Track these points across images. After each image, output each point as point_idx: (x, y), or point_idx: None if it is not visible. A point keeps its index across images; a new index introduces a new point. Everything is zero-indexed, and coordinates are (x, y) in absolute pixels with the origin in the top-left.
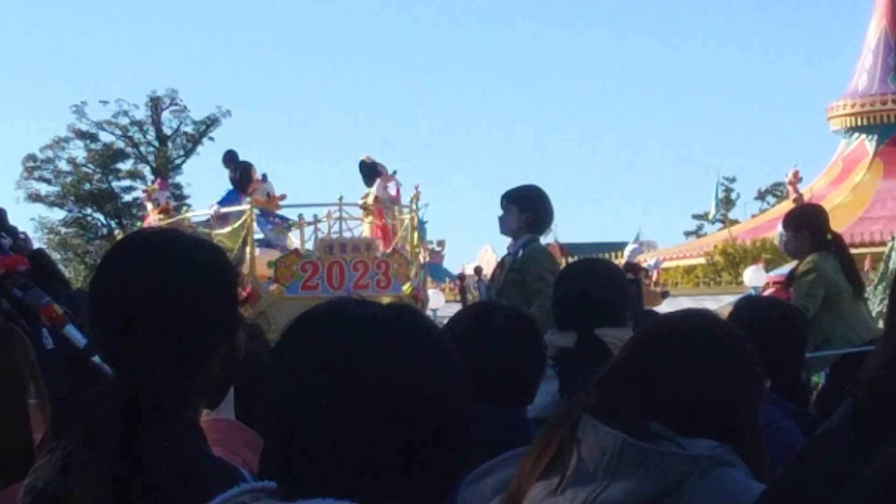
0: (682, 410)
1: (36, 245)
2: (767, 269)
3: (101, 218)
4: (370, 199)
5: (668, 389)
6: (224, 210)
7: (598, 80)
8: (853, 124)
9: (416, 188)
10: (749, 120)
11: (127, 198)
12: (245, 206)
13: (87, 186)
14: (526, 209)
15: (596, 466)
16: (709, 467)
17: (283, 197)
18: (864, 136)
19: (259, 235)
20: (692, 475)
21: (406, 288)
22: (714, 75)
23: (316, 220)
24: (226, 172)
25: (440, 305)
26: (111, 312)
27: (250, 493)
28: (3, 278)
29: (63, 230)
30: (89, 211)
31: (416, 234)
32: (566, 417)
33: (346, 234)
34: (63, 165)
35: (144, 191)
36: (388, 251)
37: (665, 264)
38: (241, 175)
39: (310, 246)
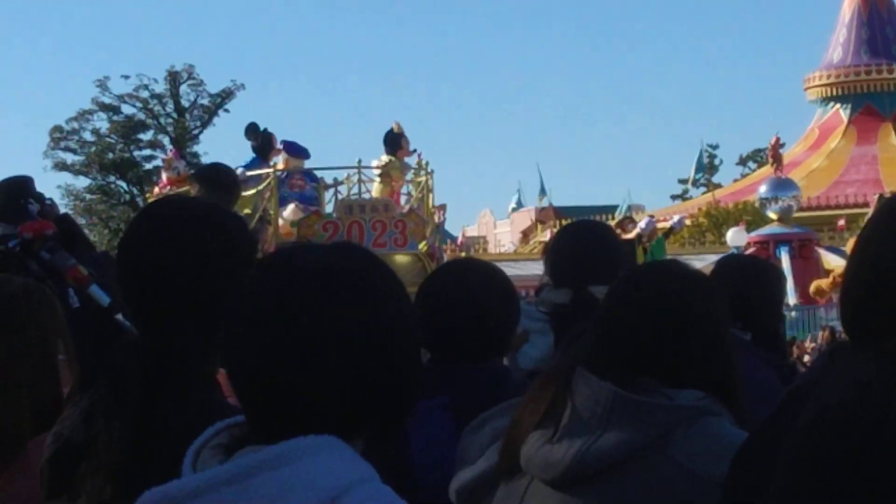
0: (666, 361)
1: (62, 211)
2: (748, 230)
3: (124, 185)
4: (389, 167)
5: (652, 340)
6: (249, 173)
7: (590, 52)
8: (828, 94)
9: (419, 155)
10: (731, 90)
11: (148, 166)
12: (267, 170)
13: (111, 156)
14: None
15: (589, 417)
16: (696, 417)
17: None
18: (838, 105)
19: (296, 191)
20: (680, 425)
21: (422, 246)
22: (699, 48)
23: (336, 183)
24: (244, 144)
25: None
26: (138, 276)
27: (226, 430)
28: (32, 241)
29: (88, 197)
30: (112, 179)
31: (431, 196)
32: (561, 370)
33: (365, 196)
34: (87, 136)
35: (164, 160)
36: (405, 211)
37: None
38: (263, 143)
39: (330, 207)
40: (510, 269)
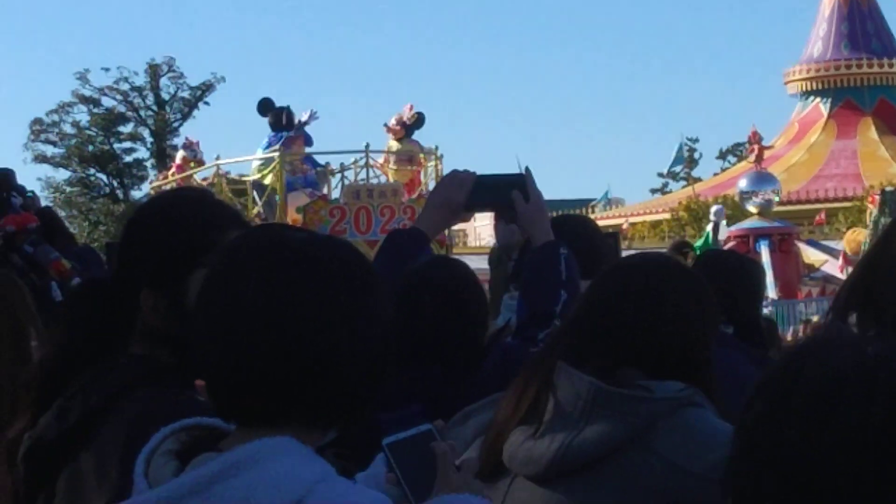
0: (647, 353)
1: (43, 203)
2: (728, 225)
3: (104, 178)
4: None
5: (634, 332)
6: (262, 154)
7: (571, 46)
8: (808, 88)
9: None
10: (712, 84)
11: (128, 159)
12: (274, 154)
13: (91, 148)
14: None
15: (571, 411)
16: (677, 408)
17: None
18: (818, 99)
19: (300, 178)
20: (662, 416)
21: None
22: (679, 42)
23: (343, 168)
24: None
25: None
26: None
27: (175, 435)
28: (15, 235)
29: (68, 189)
30: (92, 171)
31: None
32: (542, 363)
33: (374, 181)
34: (68, 128)
35: (186, 142)
36: (415, 196)
37: (632, 219)
38: (287, 117)
39: (336, 193)
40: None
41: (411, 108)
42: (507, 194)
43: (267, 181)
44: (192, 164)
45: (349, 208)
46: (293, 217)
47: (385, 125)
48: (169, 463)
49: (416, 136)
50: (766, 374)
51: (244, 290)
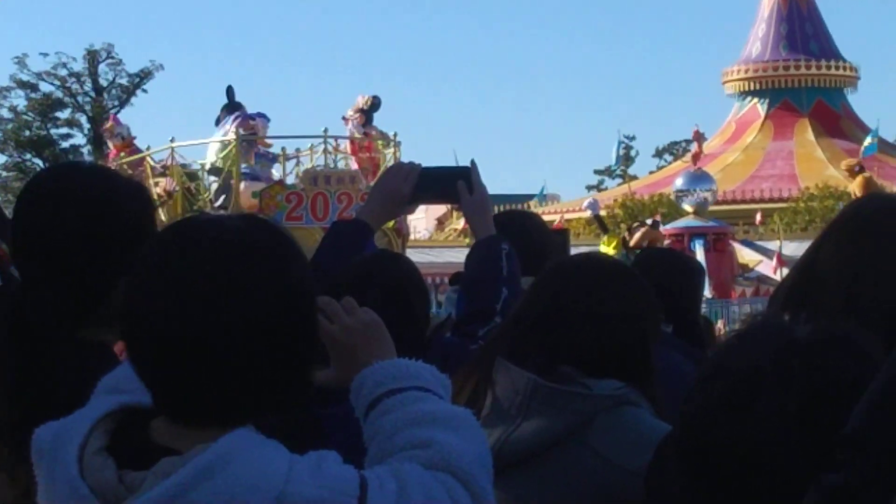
0: (586, 351)
1: None
2: (664, 223)
3: (40, 163)
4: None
5: (573, 329)
6: (197, 142)
7: (509, 42)
8: (746, 89)
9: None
10: (649, 83)
11: (64, 144)
12: (230, 138)
13: (27, 133)
14: None
15: (509, 406)
16: (614, 406)
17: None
18: (756, 99)
19: (245, 169)
20: (599, 413)
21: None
22: (618, 39)
23: (298, 153)
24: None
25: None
26: (15, 237)
27: (98, 430)
28: None
29: (3, 174)
30: (29, 156)
31: None
32: (482, 359)
33: (331, 168)
34: (4, 113)
35: (104, 129)
36: (373, 184)
37: (567, 216)
38: (228, 93)
39: (291, 179)
40: (426, 257)
41: (364, 97)
42: (451, 186)
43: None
44: (123, 150)
45: (306, 194)
46: (249, 202)
47: (343, 117)
48: (106, 463)
49: (376, 121)
50: (700, 369)
51: (175, 278)
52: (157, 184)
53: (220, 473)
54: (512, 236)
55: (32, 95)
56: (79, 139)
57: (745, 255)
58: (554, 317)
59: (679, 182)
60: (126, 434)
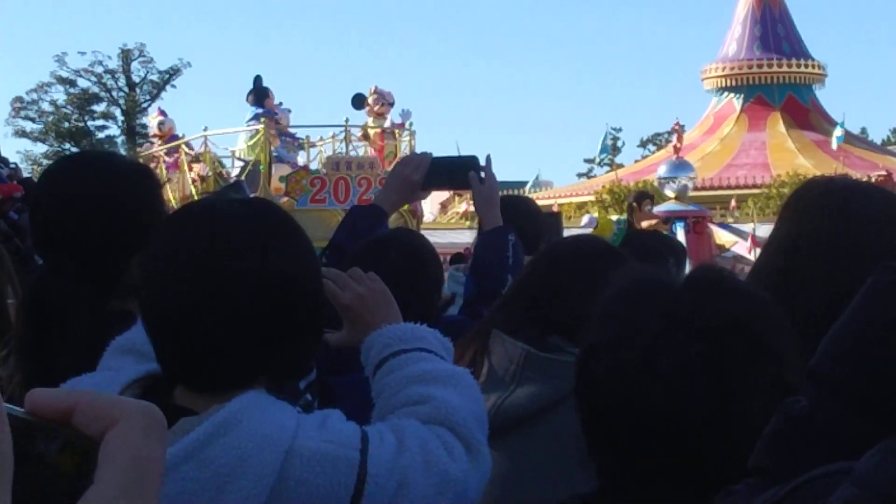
0: (576, 324)
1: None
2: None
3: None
4: (366, 127)
5: (564, 305)
6: (229, 130)
7: (506, 39)
8: (723, 85)
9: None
10: (635, 78)
11: (100, 135)
12: (259, 126)
13: (66, 125)
14: None
15: (504, 374)
16: None
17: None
18: (732, 95)
19: (273, 152)
20: None
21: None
22: (605, 38)
23: (322, 141)
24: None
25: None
26: (34, 223)
27: (139, 382)
28: (1, 203)
29: (45, 162)
30: (67, 146)
31: None
32: (479, 331)
33: (352, 154)
34: (46, 107)
35: (159, 122)
36: (390, 169)
37: (560, 201)
38: (256, 82)
39: (315, 164)
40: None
41: (375, 90)
42: (459, 175)
43: (250, 157)
44: (163, 137)
45: (329, 178)
46: (276, 185)
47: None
48: None
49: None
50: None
51: (188, 253)
52: (191, 168)
53: (233, 430)
54: (508, 219)
55: (71, 90)
56: (113, 130)
57: (722, 236)
58: (545, 291)
59: (662, 170)
60: (151, 398)
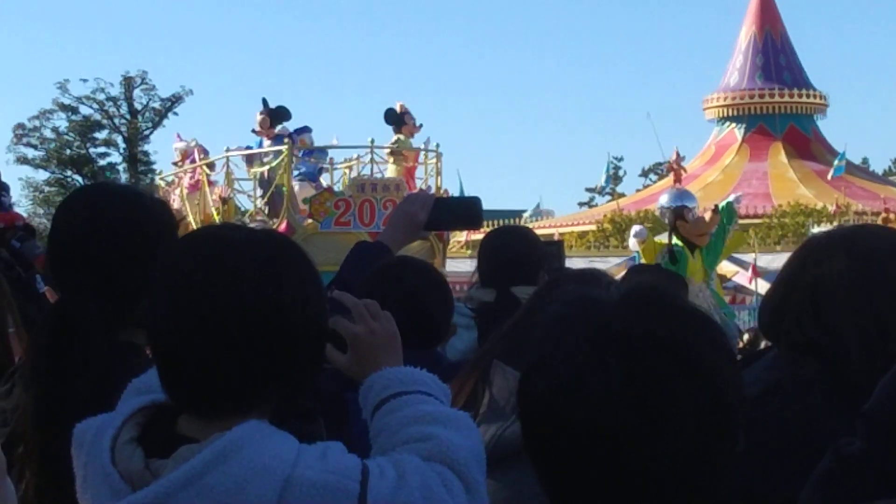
0: None
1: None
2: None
3: (79, 179)
4: (400, 145)
5: None
6: (253, 150)
7: (508, 69)
8: (725, 115)
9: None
10: (636, 108)
11: (102, 162)
12: (282, 147)
13: (68, 152)
14: None
15: (505, 404)
16: None
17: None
18: (734, 124)
19: (296, 172)
20: None
21: None
22: (609, 69)
23: (347, 163)
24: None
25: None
26: (52, 249)
27: (132, 421)
28: (4, 231)
29: (46, 189)
30: (69, 173)
31: (439, 178)
32: (479, 362)
33: (377, 175)
34: (48, 133)
35: (185, 151)
36: (415, 192)
37: (561, 230)
38: (276, 110)
39: (339, 186)
40: None
41: (402, 107)
42: (461, 214)
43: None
44: (184, 160)
45: (354, 201)
46: (300, 208)
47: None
48: (135, 452)
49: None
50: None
51: (191, 281)
52: (212, 190)
53: (233, 458)
54: (508, 248)
55: (73, 117)
56: (115, 157)
57: (723, 266)
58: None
59: (664, 199)
60: (155, 427)
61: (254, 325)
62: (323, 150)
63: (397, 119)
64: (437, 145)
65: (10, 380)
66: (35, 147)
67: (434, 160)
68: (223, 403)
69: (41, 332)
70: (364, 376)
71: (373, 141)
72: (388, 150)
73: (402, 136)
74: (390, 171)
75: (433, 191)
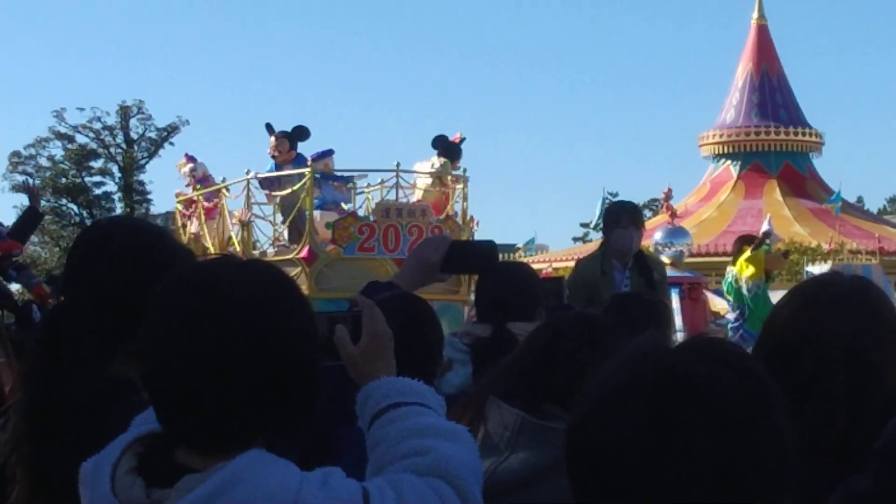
0: (573, 394)
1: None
2: None
3: (75, 208)
4: (442, 172)
5: (562, 376)
6: (275, 174)
7: (503, 103)
8: (721, 151)
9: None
10: (631, 144)
11: (97, 192)
12: (305, 170)
13: (64, 181)
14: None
15: (499, 440)
16: None
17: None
18: (729, 162)
19: (318, 197)
20: None
21: None
22: (604, 105)
23: (372, 187)
24: None
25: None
26: (67, 284)
27: (130, 451)
28: (1, 260)
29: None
30: (65, 202)
31: (466, 204)
32: (475, 397)
33: (402, 200)
34: (43, 162)
35: (189, 173)
36: (442, 217)
37: (556, 264)
38: (296, 131)
39: (363, 211)
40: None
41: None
42: (476, 260)
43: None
44: (196, 184)
45: (378, 226)
46: (323, 233)
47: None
48: (135, 481)
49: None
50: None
51: (183, 316)
52: (231, 214)
53: (237, 487)
54: (505, 284)
55: (69, 146)
56: (110, 187)
57: (717, 303)
58: (544, 360)
59: (658, 236)
60: (154, 456)
61: (250, 357)
62: (348, 178)
63: (450, 147)
64: (464, 170)
65: (3, 414)
66: (30, 175)
67: (461, 185)
68: (220, 437)
69: (37, 339)
70: (363, 377)
71: (398, 164)
72: (429, 174)
73: (446, 160)
74: (422, 195)
75: (459, 216)
